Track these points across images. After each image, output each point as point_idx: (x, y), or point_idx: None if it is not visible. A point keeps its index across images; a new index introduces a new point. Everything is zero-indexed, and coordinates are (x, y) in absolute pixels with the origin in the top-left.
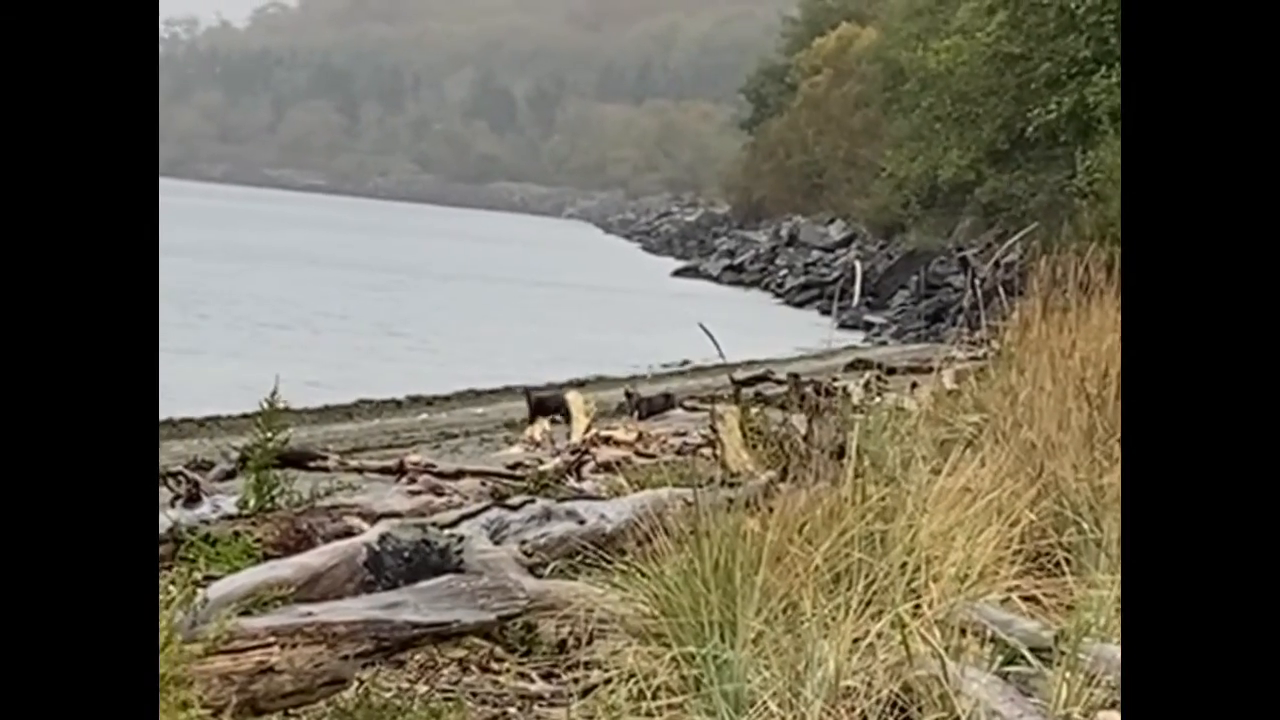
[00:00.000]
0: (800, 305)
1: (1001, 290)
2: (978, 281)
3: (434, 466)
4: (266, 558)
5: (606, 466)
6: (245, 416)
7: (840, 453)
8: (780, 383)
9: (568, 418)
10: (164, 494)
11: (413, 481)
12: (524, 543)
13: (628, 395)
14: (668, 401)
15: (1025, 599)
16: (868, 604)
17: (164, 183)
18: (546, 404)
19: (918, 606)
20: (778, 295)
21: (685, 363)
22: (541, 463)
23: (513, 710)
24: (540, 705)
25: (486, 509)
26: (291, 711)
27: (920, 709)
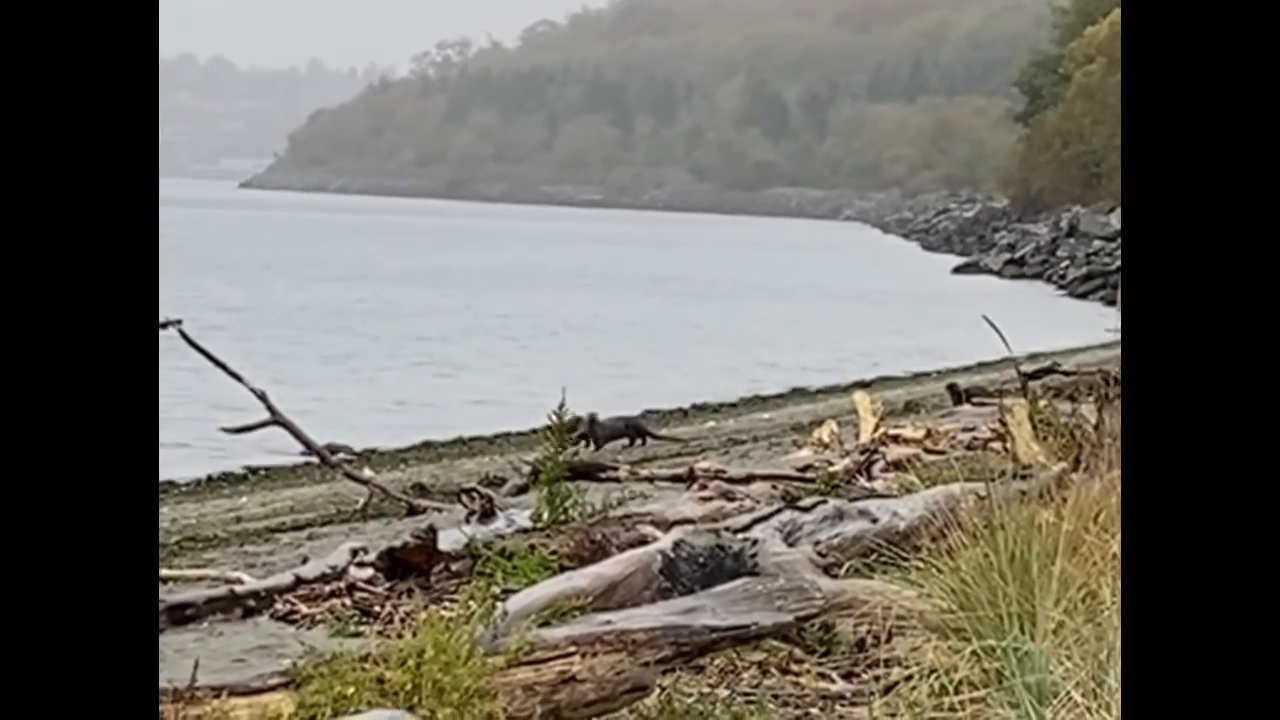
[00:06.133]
0: (1083, 296)
1: None
2: None
3: (724, 472)
4: (562, 569)
5: (896, 465)
6: (534, 432)
7: None
8: (1067, 374)
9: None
10: (458, 510)
11: (703, 488)
12: (817, 543)
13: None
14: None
15: None
16: None
17: (444, 204)
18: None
19: None
20: (1060, 287)
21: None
22: (831, 464)
23: (815, 711)
24: (842, 705)
25: (778, 512)
26: None
27: None
